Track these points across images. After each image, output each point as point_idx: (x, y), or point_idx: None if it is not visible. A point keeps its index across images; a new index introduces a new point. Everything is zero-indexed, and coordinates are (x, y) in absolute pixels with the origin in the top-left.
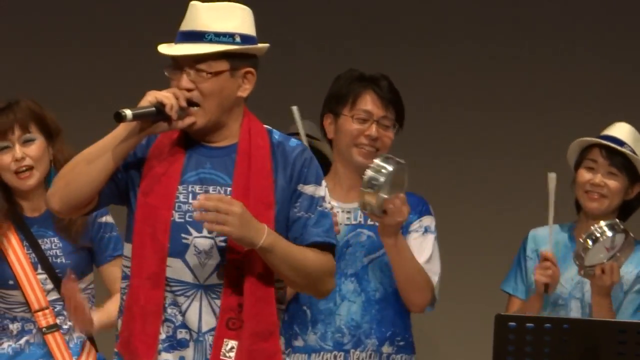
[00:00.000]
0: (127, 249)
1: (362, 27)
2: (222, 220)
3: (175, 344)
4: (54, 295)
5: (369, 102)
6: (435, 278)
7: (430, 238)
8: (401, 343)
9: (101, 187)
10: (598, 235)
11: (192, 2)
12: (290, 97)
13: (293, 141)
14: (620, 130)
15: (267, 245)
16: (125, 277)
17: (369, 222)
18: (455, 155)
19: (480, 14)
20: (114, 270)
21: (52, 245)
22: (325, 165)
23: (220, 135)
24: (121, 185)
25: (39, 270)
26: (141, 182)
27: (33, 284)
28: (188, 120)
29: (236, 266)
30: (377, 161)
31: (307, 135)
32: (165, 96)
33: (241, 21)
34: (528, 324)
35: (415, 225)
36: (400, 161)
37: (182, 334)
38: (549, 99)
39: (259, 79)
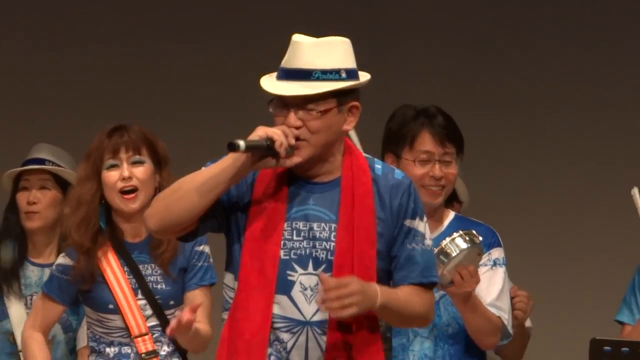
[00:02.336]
0: (229, 278)
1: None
2: (347, 304)
3: None
4: (152, 322)
5: (427, 142)
6: (504, 315)
7: (500, 272)
8: None
9: (201, 214)
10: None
11: (294, 39)
12: None
13: (398, 173)
14: None
15: (382, 305)
16: (226, 307)
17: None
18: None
19: None
20: (196, 299)
21: (153, 271)
22: None
23: (323, 170)
24: (221, 215)
25: (139, 296)
26: (249, 216)
27: (134, 309)
28: (295, 160)
29: None
30: (455, 236)
31: None
32: (275, 132)
33: (344, 55)
34: (624, 349)
35: (484, 258)
36: (478, 241)
37: None
38: None
39: None
